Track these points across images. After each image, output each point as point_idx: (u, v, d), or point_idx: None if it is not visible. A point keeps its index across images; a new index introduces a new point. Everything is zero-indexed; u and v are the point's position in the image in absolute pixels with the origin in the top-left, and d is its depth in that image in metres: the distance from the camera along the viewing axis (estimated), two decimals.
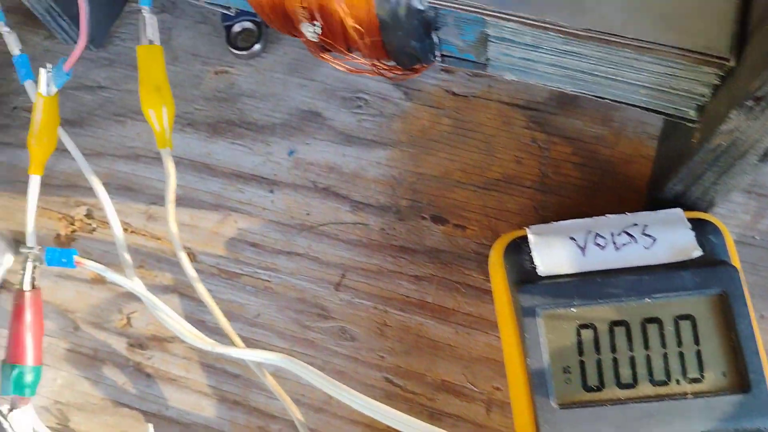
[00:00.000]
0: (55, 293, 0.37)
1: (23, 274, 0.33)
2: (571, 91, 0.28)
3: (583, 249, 0.30)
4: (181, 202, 0.38)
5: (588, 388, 0.29)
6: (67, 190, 0.39)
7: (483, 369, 0.33)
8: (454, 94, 0.38)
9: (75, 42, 0.41)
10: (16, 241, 0.39)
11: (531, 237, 0.30)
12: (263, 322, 0.35)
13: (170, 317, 0.32)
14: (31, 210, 0.35)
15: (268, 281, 0.36)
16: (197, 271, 0.34)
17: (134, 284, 0.33)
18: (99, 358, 0.36)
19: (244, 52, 0.40)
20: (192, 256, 0.37)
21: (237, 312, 0.36)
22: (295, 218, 0.37)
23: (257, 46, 0.39)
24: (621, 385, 0.29)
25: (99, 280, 0.37)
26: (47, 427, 0.34)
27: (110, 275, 0.33)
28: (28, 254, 0.33)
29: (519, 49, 0.27)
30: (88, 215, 0.38)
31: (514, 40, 0.27)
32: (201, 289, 0.33)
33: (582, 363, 0.29)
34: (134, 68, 0.40)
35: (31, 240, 0.35)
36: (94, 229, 0.38)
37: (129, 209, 0.38)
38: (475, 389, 0.33)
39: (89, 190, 0.38)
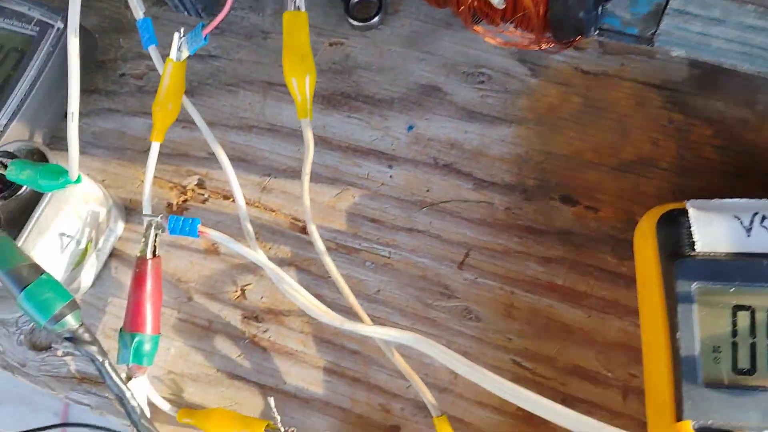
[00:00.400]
0: (167, 263, 0.36)
1: (146, 242, 0.32)
2: (748, 69, 0.27)
3: (748, 230, 0.28)
4: (296, 174, 0.37)
5: (738, 371, 0.28)
6: (178, 159, 0.38)
7: (618, 355, 0.32)
8: (583, 71, 0.37)
9: (185, 10, 0.40)
10: (127, 209, 0.38)
11: (691, 211, 0.28)
12: (383, 299, 0.34)
13: (296, 290, 0.32)
14: (149, 177, 0.35)
15: (388, 257, 0.35)
16: (312, 244, 0.33)
17: (258, 255, 0.32)
18: (213, 330, 0.35)
19: (362, 24, 0.39)
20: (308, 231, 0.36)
21: (355, 287, 0.35)
22: (416, 194, 0.36)
23: (376, 18, 0.39)
24: None
25: (212, 251, 0.36)
26: (161, 397, 0.34)
27: (234, 246, 0.32)
28: (152, 222, 0.33)
29: (699, 22, 0.26)
30: (200, 185, 0.38)
31: (699, 13, 0.25)
32: (328, 262, 0.33)
33: (734, 344, 0.28)
34: (245, 37, 0.39)
35: (147, 207, 0.34)
36: (206, 199, 0.37)
37: (243, 180, 0.37)
38: (610, 375, 0.32)
39: (201, 160, 0.38)
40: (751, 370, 0.28)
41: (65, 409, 1.36)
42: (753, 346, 0.28)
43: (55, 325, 0.29)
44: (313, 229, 0.33)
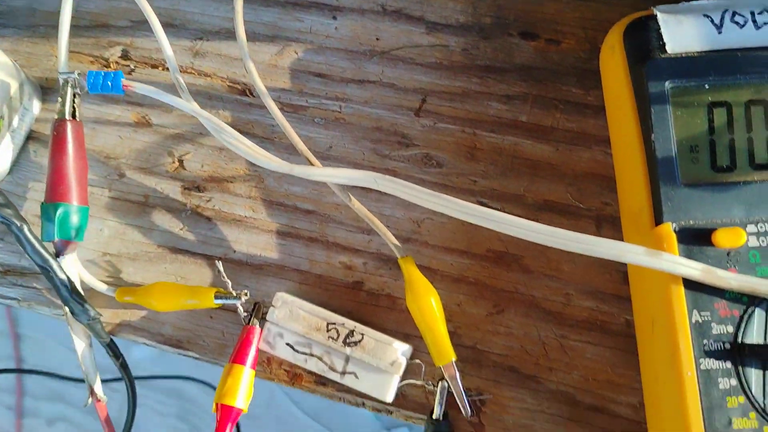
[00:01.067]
0: (94, 140, 0.33)
1: (62, 102, 0.29)
2: None
3: (719, 27, 0.27)
4: (231, 35, 0.34)
5: (717, 169, 0.27)
6: (98, 31, 0.35)
7: (589, 185, 0.31)
8: None
9: None
10: (43, 89, 0.34)
11: (660, 15, 0.27)
12: (337, 155, 0.32)
13: (239, 140, 0.29)
14: (63, 31, 0.31)
15: (339, 111, 0.33)
16: (257, 107, 0.31)
17: (193, 106, 0.30)
18: (150, 205, 0.32)
19: None
20: (249, 92, 0.33)
21: (306, 145, 0.32)
22: (364, 44, 0.34)
23: None
24: (755, 166, 0.27)
25: (144, 123, 0.33)
26: (96, 279, 0.30)
27: (166, 98, 0.29)
28: (68, 79, 0.29)
29: None
30: (124, 56, 0.35)
31: None
32: (272, 107, 0.30)
33: (712, 142, 0.27)
34: None
35: (63, 65, 0.31)
36: (132, 70, 0.34)
37: (173, 47, 0.34)
38: (582, 206, 0.30)
39: (123, 29, 0.35)
40: (731, 167, 0.27)
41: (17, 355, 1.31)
42: (731, 143, 0.27)
43: None
44: (251, 66, 0.30)
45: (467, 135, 0.32)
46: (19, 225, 0.26)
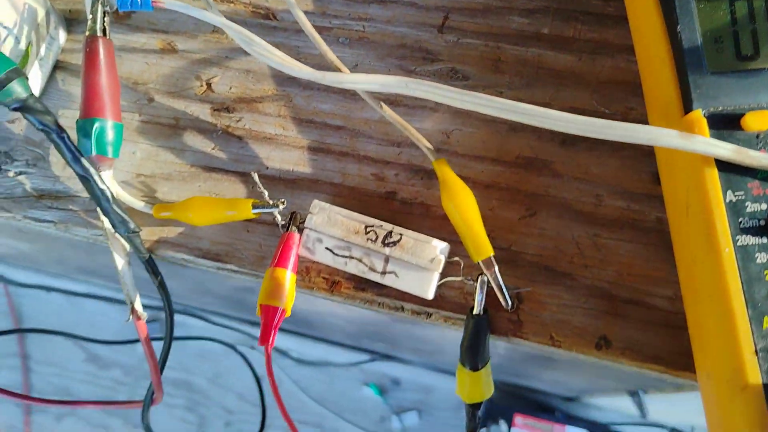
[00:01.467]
0: (121, 68, 0.34)
1: (93, 19, 0.30)
2: None
3: None
4: None
5: (742, 57, 0.27)
6: None
7: (613, 91, 0.31)
8: None
9: None
10: (68, 20, 0.35)
11: None
12: (363, 71, 0.32)
13: (269, 51, 0.29)
14: None
15: (362, 31, 0.33)
16: (281, 30, 0.31)
17: (221, 19, 0.30)
18: (181, 127, 0.32)
19: None
20: (273, 15, 0.34)
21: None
22: None
23: None
24: None
25: (169, 49, 0.34)
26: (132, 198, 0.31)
27: (195, 12, 0.30)
28: None
29: None
30: None
31: None
32: (299, 16, 0.30)
33: (735, 33, 0.28)
34: None
35: None
36: None
37: None
38: (607, 111, 0.31)
39: None
40: (755, 55, 0.27)
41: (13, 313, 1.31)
42: (754, 32, 0.28)
43: (1, 93, 0.26)
44: None
45: (491, 48, 0.33)
46: (59, 131, 0.27)
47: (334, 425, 1.34)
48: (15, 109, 0.27)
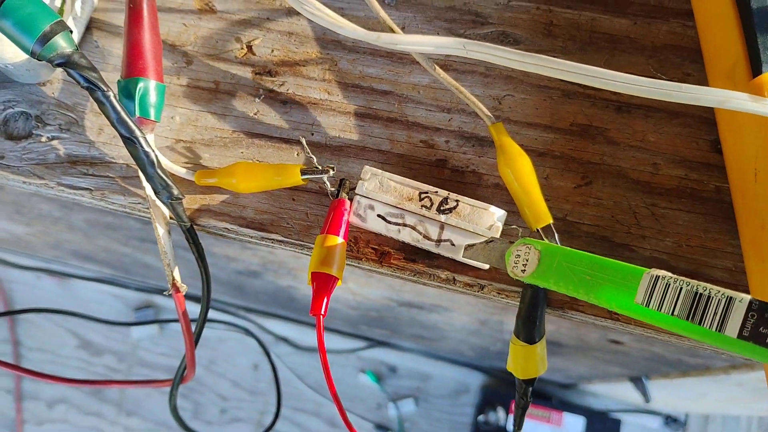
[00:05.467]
0: None
1: None
2: None
3: None
4: None
5: None
6: None
7: (670, 56, 0.31)
8: None
9: None
10: None
11: None
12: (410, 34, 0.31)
13: (320, 9, 0.28)
14: None
15: None
16: None
17: None
18: (222, 91, 0.31)
19: None
20: None
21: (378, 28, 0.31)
22: None
23: None
24: None
25: (207, 10, 0.33)
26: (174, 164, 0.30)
27: None
28: None
29: None
30: None
31: None
32: None
33: None
34: None
35: None
36: None
37: None
38: (665, 77, 0.30)
39: None
40: None
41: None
42: None
43: (44, 48, 0.25)
44: None
45: (542, 11, 0.32)
46: (105, 90, 0.26)
47: (330, 412, 1.33)
48: (59, 65, 0.25)
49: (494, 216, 0.28)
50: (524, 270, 0.26)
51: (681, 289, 0.23)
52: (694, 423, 1.20)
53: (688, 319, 0.22)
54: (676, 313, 0.22)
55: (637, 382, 1.04)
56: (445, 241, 0.28)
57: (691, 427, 1.20)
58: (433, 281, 0.30)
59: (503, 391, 1.25)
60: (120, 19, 0.33)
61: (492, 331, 0.86)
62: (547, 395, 1.27)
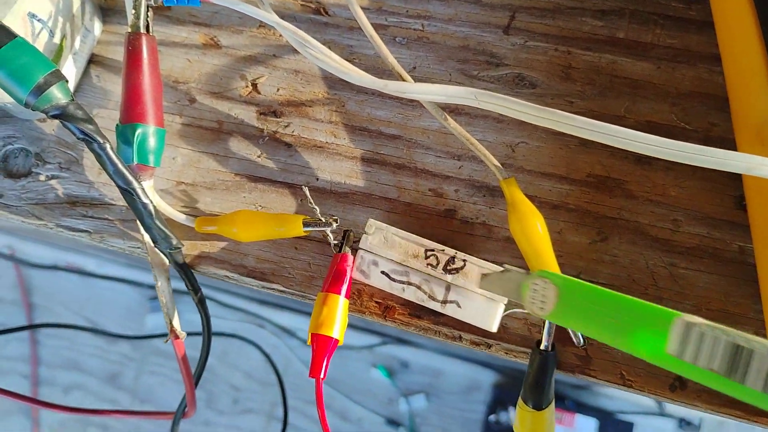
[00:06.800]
0: (160, 64, 0.31)
1: (137, 14, 0.27)
2: None
3: None
4: None
5: None
6: None
7: (695, 105, 0.29)
8: None
9: None
10: (104, 10, 0.32)
11: None
12: (421, 76, 0.30)
13: (325, 54, 0.27)
14: None
15: (421, 30, 0.31)
16: (333, 26, 0.29)
17: (273, 17, 0.28)
18: (225, 131, 0.30)
19: None
20: (324, 11, 0.31)
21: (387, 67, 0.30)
22: None
23: None
24: None
25: (212, 45, 0.31)
26: (173, 209, 0.29)
27: (244, 8, 0.27)
28: None
29: None
30: None
31: None
32: (358, 13, 0.28)
33: None
34: None
35: None
36: None
37: None
38: (689, 127, 0.29)
39: None
40: None
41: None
42: None
43: (39, 100, 0.24)
44: None
45: (561, 53, 0.30)
46: (101, 142, 0.25)
47: (342, 406, 1.34)
48: (54, 116, 0.25)
49: None
50: (542, 308, 0.24)
51: (718, 339, 0.20)
52: (708, 427, 1.19)
53: (728, 375, 0.20)
54: (714, 367, 0.20)
55: None
56: (451, 302, 0.27)
57: None
58: (438, 337, 0.29)
59: (515, 390, 1.24)
60: (122, 54, 0.32)
61: None
62: (560, 396, 1.26)
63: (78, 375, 1.39)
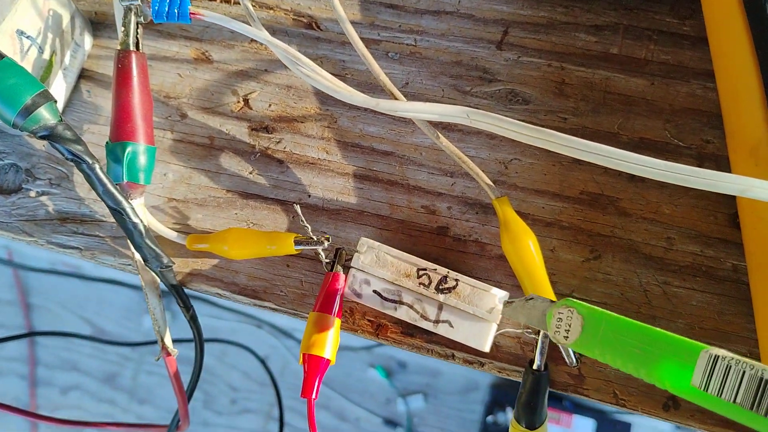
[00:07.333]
0: (151, 79, 0.31)
1: (126, 31, 0.27)
2: None
3: None
4: None
5: None
6: None
7: (688, 121, 0.29)
8: None
9: None
10: (94, 24, 0.32)
11: None
12: (413, 92, 0.30)
13: (316, 72, 0.27)
14: None
15: (414, 45, 0.31)
16: (326, 41, 0.29)
17: (264, 35, 0.27)
18: (216, 147, 0.30)
19: None
20: (316, 25, 0.31)
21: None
22: None
23: None
24: None
25: (203, 59, 0.31)
26: (163, 225, 0.29)
27: (236, 26, 0.27)
28: (131, 6, 0.27)
29: None
30: None
31: None
32: (350, 31, 0.28)
33: None
34: None
35: None
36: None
37: None
38: (682, 144, 0.28)
39: None
40: None
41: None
42: None
43: (27, 121, 0.24)
44: (337, 5, 0.28)
45: (554, 69, 0.30)
46: (90, 163, 0.25)
47: (340, 406, 1.34)
48: (42, 137, 0.24)
49: (496, 298, 0.26)
50: (567, 337, 0.24)
51: (744, 372, 0.20)
52: None
53: (752, 409, 0.19)
54: (738, 401, 0.20)
55: None
56: (443, 321, 0.27)
57: None
58: (431, 355, 0.28)
59: (513, 391, 1.24)
60: (112, 68, 0.32)
61: None
62: (557, 396, 1.26)
63: (76, 375, 1.39)
